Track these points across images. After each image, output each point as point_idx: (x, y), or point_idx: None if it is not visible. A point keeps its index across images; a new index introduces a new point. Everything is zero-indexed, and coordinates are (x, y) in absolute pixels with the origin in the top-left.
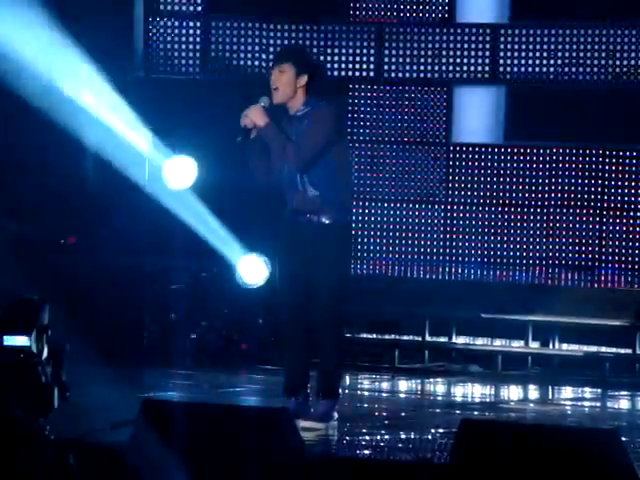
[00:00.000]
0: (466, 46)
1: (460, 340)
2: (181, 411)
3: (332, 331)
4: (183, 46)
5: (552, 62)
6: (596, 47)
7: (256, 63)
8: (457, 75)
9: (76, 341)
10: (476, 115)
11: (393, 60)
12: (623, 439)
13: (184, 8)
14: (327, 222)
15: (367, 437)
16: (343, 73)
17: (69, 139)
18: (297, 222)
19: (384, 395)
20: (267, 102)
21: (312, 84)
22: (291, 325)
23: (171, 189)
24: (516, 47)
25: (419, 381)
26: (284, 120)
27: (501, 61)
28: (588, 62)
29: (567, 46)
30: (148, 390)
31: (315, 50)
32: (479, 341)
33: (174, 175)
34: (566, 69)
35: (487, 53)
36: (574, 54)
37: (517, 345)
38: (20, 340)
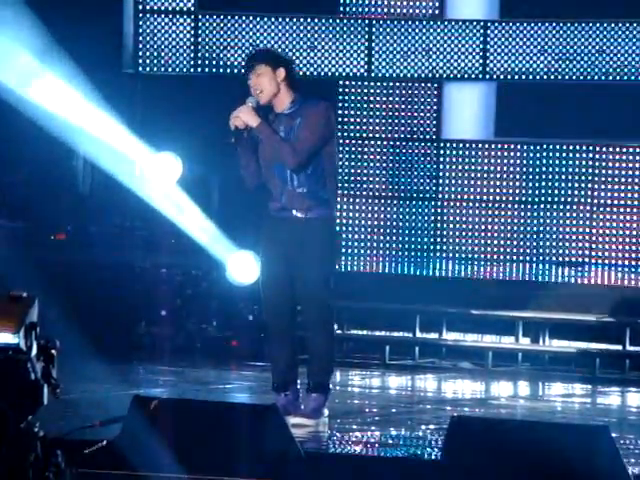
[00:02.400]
0: (456, 42)
1: (450, 336)
2: (171, 408)
3: (322, 327)
4: (173, 42)
5: (542, 58)
6: (586, 44)
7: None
8: (447, 71)
9: (67, 338)
10: (466, 111)
11: (383, 56)
12: (613, 435)
13: (174, 4)
14: (313, 217)
15: (358, 433)
16: (333, 69)
17: (59, 137)
18: (283, 218)
19: (374, 391)
20: (255, 102)
21: (294, 81)
22: (276, 320)
23: (157, 186)
24: (506, 43)
25: (409, 377)
26: (269, 118)
27: (491, 57)
28: (578, 58)
29: (557, 43)
30: (138, 386)
31: (305, 46)
32: (469, 337)
33: (158, 172)
34: (556, 65)
35: (477, 49)
36: (564, 50)
37: (507, 341)
38: (8, 337)
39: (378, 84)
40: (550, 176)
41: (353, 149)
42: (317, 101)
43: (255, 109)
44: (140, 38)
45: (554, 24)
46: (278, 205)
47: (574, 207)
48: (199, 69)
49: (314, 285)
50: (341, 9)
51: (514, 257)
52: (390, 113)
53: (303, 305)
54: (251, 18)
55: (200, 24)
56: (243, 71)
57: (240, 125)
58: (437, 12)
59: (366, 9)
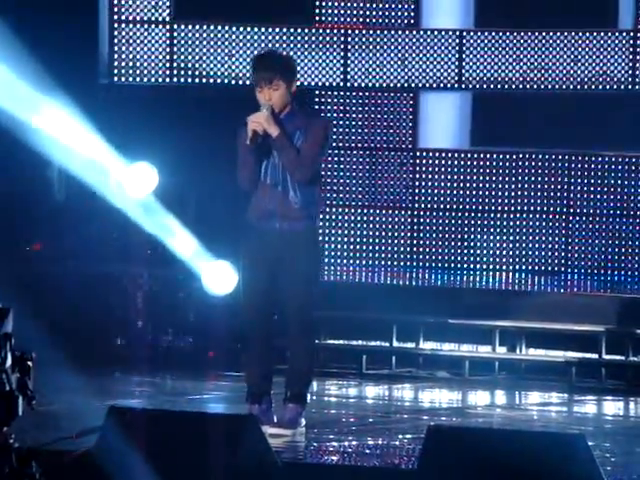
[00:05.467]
0: (432, 52)
1: (427, 346)
2: (148, 418)
3: (305, 338)
4: (149, 52)
5: (518, 68)
6: (561, 53)
7: (222, 69)
8: (423, 81)
9: (42, 349)
10: (442, 121)
11: (359, 66)
12: (589, 444)
13: (149, 14)
14: (299, 229)
15: (335, 443)
16: (309, 79)
17: (34, 148)
18: (267, 229)
19: (351, 401)
20: (269, 109)
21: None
22: (254, 331)
23: (132, 196)
24: (482, 53)
25: (387, 387)
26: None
27: (467, 67)
28: (554, 68)
29: (533, 52)
30: (115, 397)
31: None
32: (446, 347)
33: (134, 183)
34: (532, 75)
35: (453, 59)
36: (539, 60)
37: (484, 350)
38: None
39: (354, 94)
40: (526, 185)
41: (329, 159)
42: (318, 116)
43: (273, 116)
44: (115, 48)
45: (529, 34)
46: (264, 212)
47: (550, 216)
48: (175, 79)
49: (299, 296)
50: (317, 19)
51: (491, 266)
52: (366, 123)
53: (287, 316)
54: (227, 28)
55: (176, 34)
56: (253, 71)
57: (259, 130)
58: (412, 22)
59: (342, 19)
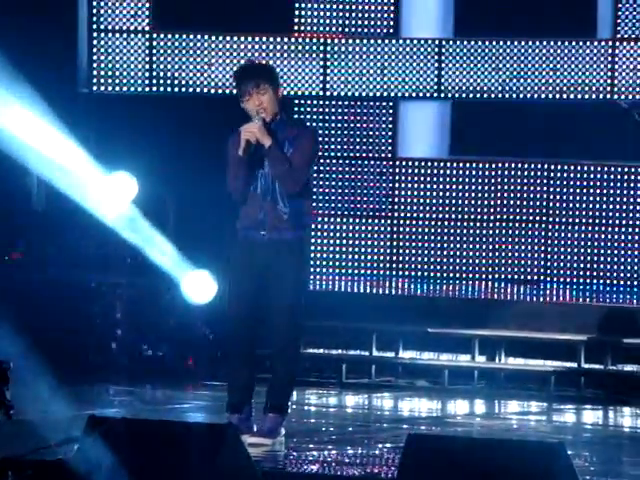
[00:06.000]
0: (411, 61)
1: (407, 355)
2: (127, 427)
3: (290, 348)
4: (128, 62)
5: (497, 77)
6: (540, 62)
7: (201, 78)
8: (402, 90)
9: (21, 358)
10: (421, 130)
11: (338, 75)
12: (569, 452)
13: (129, 24)
14: (288, 238)
15: (314, 452)
16: (288, 88)
17: (13, 156)
18: (255, 239)
19: (331, 410)
20: (261, 120)
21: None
22: (237, 340)
23: (112, 205)
24: (461, 62)
25: (366, 396)
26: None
27: (446, 76)
28: (532, 77)
29: (511, 61)
30: (94, 406)
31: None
32: (425, 356)
33: (113, 192)
34: (511, 84)
35: (432, 68)
36: (518, 69)
37: (463, 359)
38: None
39: (334, 103)
40: (505, 194)
41: None
42: (305, 126)
43: (266, 127)
44: (95, 57)
45: (508, 42)
46: (253, 222)
47: (529, 225)
48: (154, 88)
49: (286, 306)
50: (296, 28)
51: (470, 275)
52: (346, 132)
53: (273, 325)
54: (206, 37)
55: (155, 43)
56: (237, 83)
57: (252, 140)
58: (392, 31)
59: (321, 28)
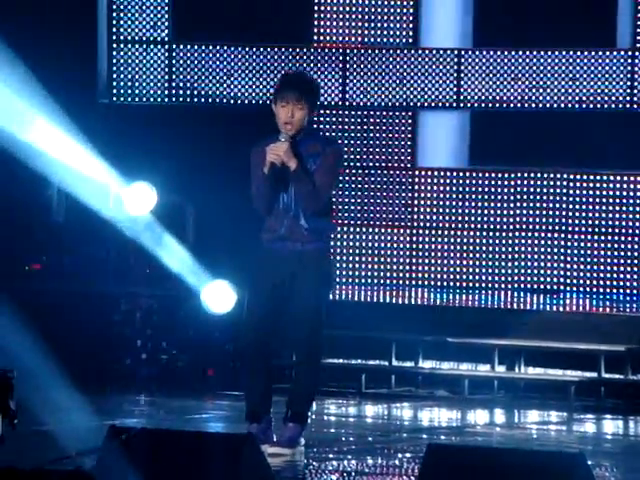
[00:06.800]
0: (430, 71)
1: (426, 365)
2: (148, 438)
3: (312, 358)
4: (148, 72)
5: (516, 87)
6: (560, 72)
7: (221, 89)
8: (422, 100)
9: (41, 368)
10: (441, 139)
11: (357, 85)
12: (589, 463)
13: (148, 34)
14: (310, 249)
15: (334, 462)
16: None
17: (33, 167)
18: (278, 250)
19: (351, 420)
20: (287, 138)
21: None
22: (255, 350)
23: (131, 216)
24: (480, 72)
25: (386, 406)
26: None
27: (465, 86)
28: (552, 87)
29: (530, 71)
30: (114, 417)
31: (280, 76)
32: (445, 365)
33: (133, 202)
34: (530, 93)
35: (451, 78)
36: (537, 79)
37: (483, 369)
38: None
39: (353, 113)
40: (525, 204)
41: None
42: (329, 142)
43: (292, 147)
44: (114, 68)
45: (527, 52)
46: (275, 235)
47: (549, 234)
48: (173, 99)
49: (309, 316)
50: (315, 39)
51: (489, 284)
52: (365, 141)
53: (295, 335)
54: (225, 48)
55: (174, 54)
56: (281, 86)
57: (278, 163)
58: (411, 41)
59: (340, 38)
